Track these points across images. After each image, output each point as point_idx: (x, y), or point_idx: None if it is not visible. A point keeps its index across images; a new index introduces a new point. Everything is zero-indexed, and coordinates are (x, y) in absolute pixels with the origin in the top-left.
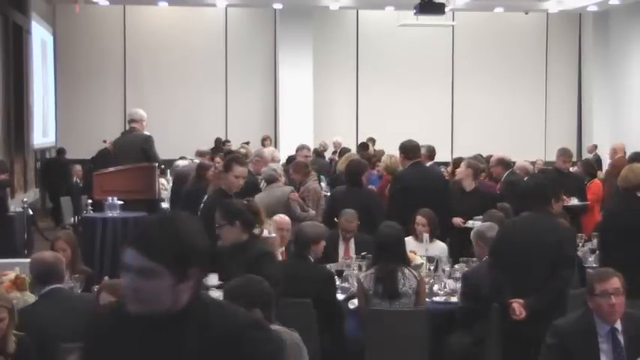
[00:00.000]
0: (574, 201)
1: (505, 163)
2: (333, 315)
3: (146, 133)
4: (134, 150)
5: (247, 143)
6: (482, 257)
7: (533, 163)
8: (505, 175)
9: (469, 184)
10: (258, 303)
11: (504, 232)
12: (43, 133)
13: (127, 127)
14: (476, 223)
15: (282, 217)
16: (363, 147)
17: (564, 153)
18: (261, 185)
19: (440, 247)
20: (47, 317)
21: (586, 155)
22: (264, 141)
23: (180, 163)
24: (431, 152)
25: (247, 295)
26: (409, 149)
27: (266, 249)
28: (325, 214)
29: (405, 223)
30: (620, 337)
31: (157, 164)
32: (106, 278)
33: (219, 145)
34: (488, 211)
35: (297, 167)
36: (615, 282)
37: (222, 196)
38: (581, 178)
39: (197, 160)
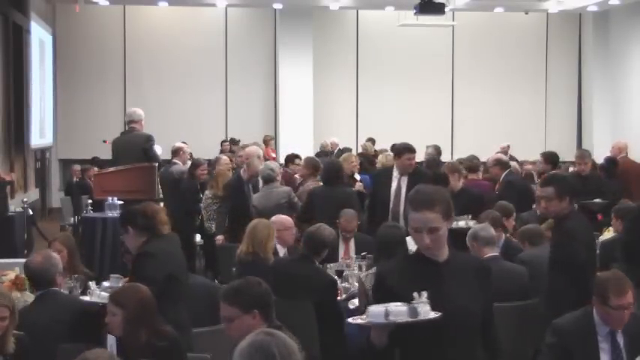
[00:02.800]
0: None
1: (503, 164)
2: (333, 317)
3: (146, 132)
4: (135, 150)
5: (237, 142)
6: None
7: (533, 163)
8: (503, 175)
9: (455, 186)
10: (256, 305)
11: None
12: (41, 133)
13: (127, 128)
14: (460, 223)
15: (280, 217)
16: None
17: (578, 156)
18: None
19: None
20: (41, 320)
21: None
22: (269, 141)
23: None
24: (439, 151)
25: (245, 297)
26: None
27: (145, 249)
28: (302, 211)
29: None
30: (620, 337)
31: (156, 164)
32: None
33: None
34: (486, 211)
35: (308, 163)
36: (630, 296)
37: None
38: (598, 179)
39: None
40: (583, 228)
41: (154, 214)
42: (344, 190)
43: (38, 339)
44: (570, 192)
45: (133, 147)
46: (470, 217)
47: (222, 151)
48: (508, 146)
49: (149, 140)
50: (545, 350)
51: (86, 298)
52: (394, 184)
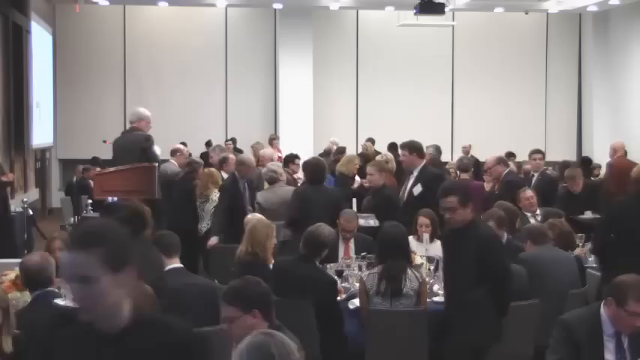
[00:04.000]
0: (588, 214)
1: (504, 162)
2: (333, 317)
3: (145, 133)
4: (133, 149)
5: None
6: None
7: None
8: (504, 174)
9: (377, 183)
10: (256, 304)
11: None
12: (41, 133)
13: (128, 127)
14: (370, 222)
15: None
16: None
17: (568, 177)
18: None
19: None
20: (39, 321)
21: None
22: (274, 140)
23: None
24: (439, 151)
25: (245, 297)
26: (420, 148)
27: None
28: (290, 213)
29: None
30: (624, 338)
31: (156, 164)
32: None
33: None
34: (490, 210)
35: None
36: None
37: None
38: (590, 194)
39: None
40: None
41: (142, 213)
42: (329, 189)
43: (37, 339)
44: (472, 198)
45: (132, 146)
46: (375, 216)
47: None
48: (469, 146)
49: (147, 140)
50: (554, 345)
51: (61, 301)
52: (406, 183)
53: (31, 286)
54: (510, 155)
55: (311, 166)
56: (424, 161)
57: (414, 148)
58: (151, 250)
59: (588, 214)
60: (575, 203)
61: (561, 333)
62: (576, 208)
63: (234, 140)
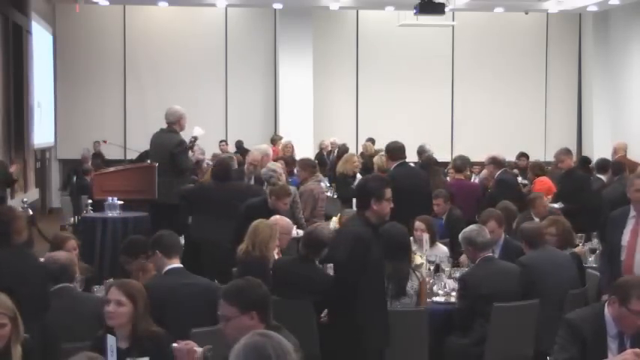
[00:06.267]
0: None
1: (497, 162)
2: None
3: (180, 137)
4: (165, 152)
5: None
6: (475, 260)
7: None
8: (497, 173)
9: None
10: (254, 306)
11: None
12: (41, 133)
13: (165, 126)
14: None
15: (281, 220)
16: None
17: (554, 155)
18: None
19: (441, 251)
20: (54, 315)
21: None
22: (278, 140)
23: None
24: (424, 150)
25: (245, 298)
26: (393, 150)
27: None
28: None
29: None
30: (627, 339)
31: (156, 164)
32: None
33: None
34: (488, 209)
35: (304, 164)
36: None
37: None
38: (582, 180)
39: None
40: None
41: (10, 221)
42: (232, 184)
43: (52, 333)
44: None
45: (165, 147)
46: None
47: (222, 152)
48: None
49: (179, 145)
50: (562, 344)
51: None
52: None
53: (55, 279)
54: (522, 155)
55: (217, 164)
56: (396, 163)
57: (386, 150)
58: (16, 256)
59: (560, 205)
60: (568, 181)
61: (568, 331)
62: (566, 184)
63: (240, 142)
